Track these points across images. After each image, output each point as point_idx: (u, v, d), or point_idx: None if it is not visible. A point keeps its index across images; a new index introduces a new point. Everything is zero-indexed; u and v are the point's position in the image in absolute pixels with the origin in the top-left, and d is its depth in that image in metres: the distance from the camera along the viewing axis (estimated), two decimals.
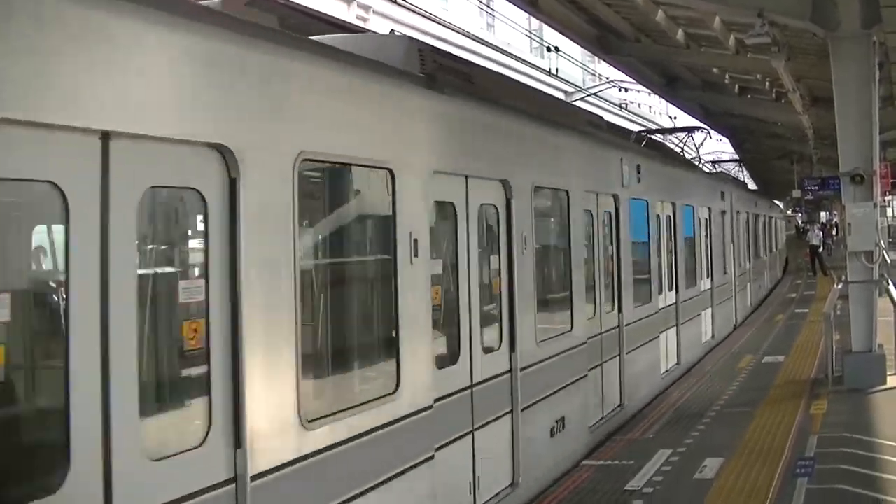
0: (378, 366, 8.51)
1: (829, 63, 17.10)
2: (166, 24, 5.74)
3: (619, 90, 59.35)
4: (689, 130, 33.44)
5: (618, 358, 15.20)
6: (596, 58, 39.85)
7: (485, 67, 13.21)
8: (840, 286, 17.59)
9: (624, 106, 61.77)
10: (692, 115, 45.68)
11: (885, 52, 18.00)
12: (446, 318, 9.56)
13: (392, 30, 22.89)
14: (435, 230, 9.10)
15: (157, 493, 5.46)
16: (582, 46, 29.51)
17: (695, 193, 23.22)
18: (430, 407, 8.61)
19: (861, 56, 16.49)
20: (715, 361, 21.50)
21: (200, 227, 6.07)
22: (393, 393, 8.04)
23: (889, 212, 76.48)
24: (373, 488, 7.54)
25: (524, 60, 44.95)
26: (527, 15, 26.28)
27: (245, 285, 6.17)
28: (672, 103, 42.15)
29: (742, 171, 64.64)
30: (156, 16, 5.62)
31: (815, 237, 49.51)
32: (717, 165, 48.15)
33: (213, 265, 6.05)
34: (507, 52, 42.39)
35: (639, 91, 53.79)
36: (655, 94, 39.19)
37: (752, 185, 62.71)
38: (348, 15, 36.07)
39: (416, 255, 8.47)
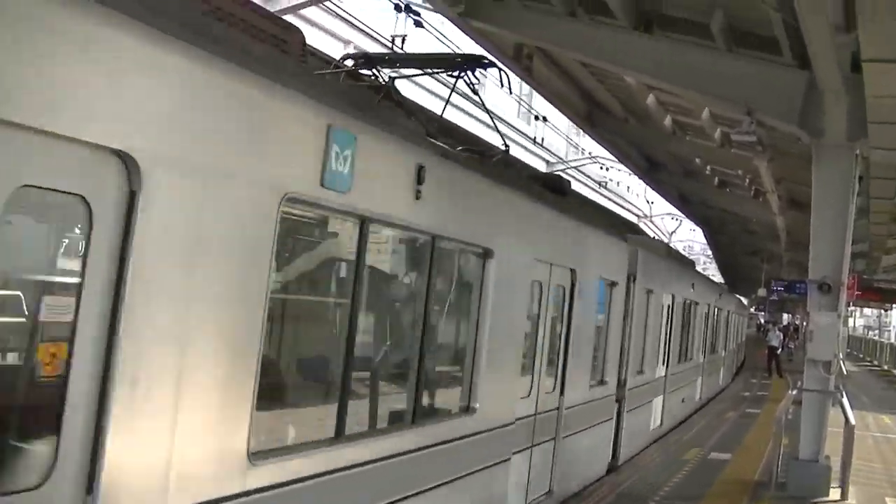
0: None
1: (810, 169, 17.19)
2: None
3: (601, 167, 59.76)
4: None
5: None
6: (580, 131, 40.01)
7: None
8: (795, 392, 17.50)
9: (604, 184, 62.09)
10: (669, 201, 45.99)
11: (866, 166, 18.11)
12: None
13: None
14: None
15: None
16: (570, 119, 29.66)
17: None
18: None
19: (843, 167, 16.57)
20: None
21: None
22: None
23: (851, 322, 76.87)
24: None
25: (511, 125, 45.13)
26: (518, 80, 26.31)
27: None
28: (651, 187, 42.45)
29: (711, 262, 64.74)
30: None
31: (776, 338, 49.58)
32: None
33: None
34: (494, 113, 42.54)
35: (619, 170, 54.17)
36: (636, 175, 39.40)
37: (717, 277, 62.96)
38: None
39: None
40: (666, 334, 23.33)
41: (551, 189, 13.75)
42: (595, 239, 15.11)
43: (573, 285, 13.50)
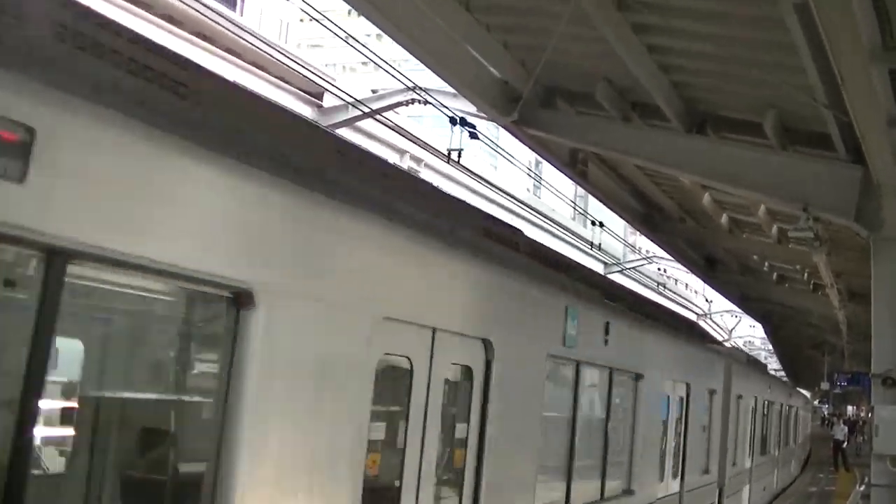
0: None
1: (869, 261, 17.22)
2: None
3: (658, 269, 59.69)
4: None
5: None
6: (636, 231, 40.17)
7: None
8: (862, 487, 17.35)
9: (662, 285, 61.90)
10: (728, 298, 45.86)
11: None
12: None
13: None
14: None
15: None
16: (627, 221, 29.84)
17: None
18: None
19: None
20: None
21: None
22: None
23: None
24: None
25: (568, 229, 45.38)
26: (572, 182, 26.59)
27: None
28: (709, 285, 42.36)
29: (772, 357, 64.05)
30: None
31: (840, 432, 48.86)
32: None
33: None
34: (552, 218, 42.85)
35: (677, 268, 54.13)
36: (694, 274, 39.40)
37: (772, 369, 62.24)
38: (400, 165, 36.71)
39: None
40: (750, 431, 26.94)
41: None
42: (702, 357, 20.34)
43: (688, 395, 17.80)
